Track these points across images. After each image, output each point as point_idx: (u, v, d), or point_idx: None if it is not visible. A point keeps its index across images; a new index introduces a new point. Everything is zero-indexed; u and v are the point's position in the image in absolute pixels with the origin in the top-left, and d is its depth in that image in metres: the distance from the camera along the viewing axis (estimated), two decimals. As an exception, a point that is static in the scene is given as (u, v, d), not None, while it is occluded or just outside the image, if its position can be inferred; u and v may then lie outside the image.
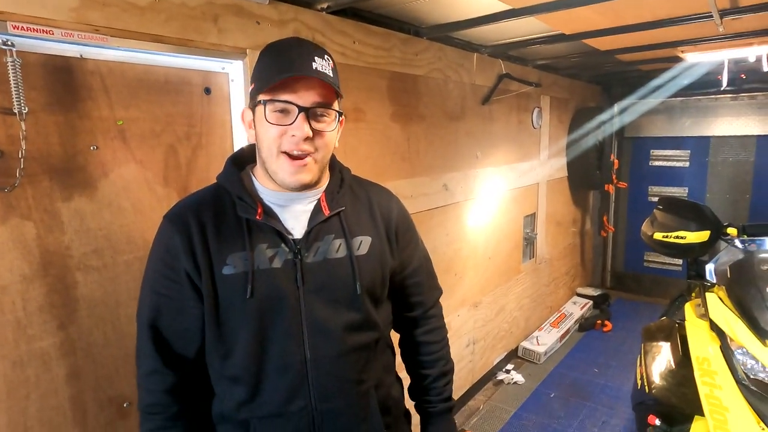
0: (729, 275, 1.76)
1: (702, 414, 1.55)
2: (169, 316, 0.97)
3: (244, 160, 1.07)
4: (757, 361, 1.49)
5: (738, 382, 1.52)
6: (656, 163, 4.63)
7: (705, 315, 1.78)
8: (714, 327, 1.70)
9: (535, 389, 3.16)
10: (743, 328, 1.55)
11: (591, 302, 4.37)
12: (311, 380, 0.98)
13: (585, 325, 4.06)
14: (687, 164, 4.48)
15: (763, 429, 1.39)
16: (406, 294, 1.19)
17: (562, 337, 3.80)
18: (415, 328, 1.23)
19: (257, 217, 0.97)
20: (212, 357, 1.00)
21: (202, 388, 1.03)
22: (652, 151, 4.63)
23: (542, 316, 3.95)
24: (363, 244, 1.04)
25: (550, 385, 3.20)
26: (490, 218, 3.07)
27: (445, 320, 1.29)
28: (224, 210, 0.99)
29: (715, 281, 1.87)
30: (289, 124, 0.92)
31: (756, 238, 1.95)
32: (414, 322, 1.22)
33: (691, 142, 4.44)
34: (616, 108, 4.49)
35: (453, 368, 1.26)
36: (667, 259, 4.54)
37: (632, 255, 4.89)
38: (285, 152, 0.94)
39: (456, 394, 1.25)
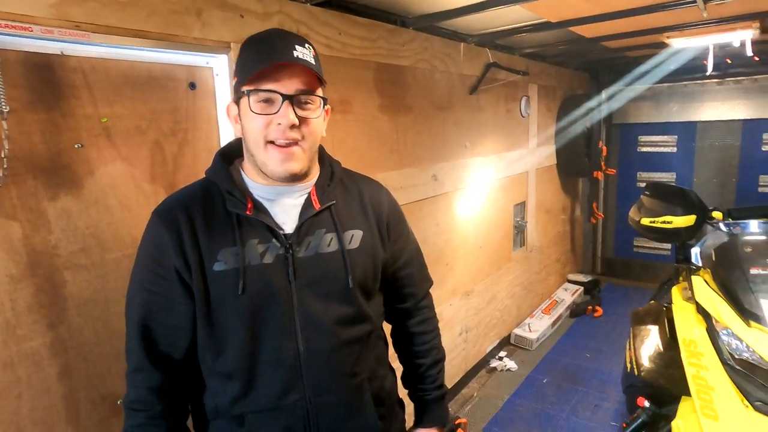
0: (714, 258, 1.79)
1: (689, 394, 1.58)
2: (160, 314, 0.97)
3: (233, 154, 1.06)
4: (741, 342, 1.52)
5: (723, 362, 1.55)
6: (644, 149, 4.67)
7: (691, 298, 1.82)
8: (700, 309, 1.73)
9: (528, 375, 3.20)
10: (728, 310, 1.58)
11: (582, 288, 4.42)
12: (305, 374, 0.98)
13: (576, 311, 4.11)
14: (674, 149, 4.53)
15: (747, 407, 1.42)
16: (397, 286, 1.19)
17: (554, 323, 3.84)
18: (407, 319, 1.24)
19: (247, 212, 0.96)
20: (204, 354, 0.99)
21: (192, 384, 1.03)
22: (639, 137, 4.66)
23: (534, 303, 3.99)
24: (354, 237, 1.05)
25: (543, 371, 3.25)
26: (480, 207, 3.08)
27: (437, 310, 1.31)
28: (214, 205, 0.98)
29: (700, 264, 1.90)
30: (274, 113, 0.92)
31: (740, 221, 1.98)
32: (406, 313, 1.24)
33: (678, 128, 4.47)
34: (603, 95, 4.51)
35: (445, 356, 1.28)
36: (657, 245, 4.59)
37: (622, 241, 4.94)
38: (272, 142, 0.93)
39: (449, 383, 1.27)
